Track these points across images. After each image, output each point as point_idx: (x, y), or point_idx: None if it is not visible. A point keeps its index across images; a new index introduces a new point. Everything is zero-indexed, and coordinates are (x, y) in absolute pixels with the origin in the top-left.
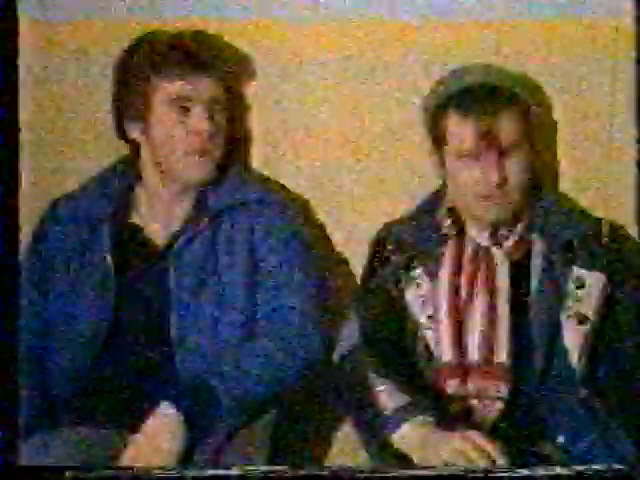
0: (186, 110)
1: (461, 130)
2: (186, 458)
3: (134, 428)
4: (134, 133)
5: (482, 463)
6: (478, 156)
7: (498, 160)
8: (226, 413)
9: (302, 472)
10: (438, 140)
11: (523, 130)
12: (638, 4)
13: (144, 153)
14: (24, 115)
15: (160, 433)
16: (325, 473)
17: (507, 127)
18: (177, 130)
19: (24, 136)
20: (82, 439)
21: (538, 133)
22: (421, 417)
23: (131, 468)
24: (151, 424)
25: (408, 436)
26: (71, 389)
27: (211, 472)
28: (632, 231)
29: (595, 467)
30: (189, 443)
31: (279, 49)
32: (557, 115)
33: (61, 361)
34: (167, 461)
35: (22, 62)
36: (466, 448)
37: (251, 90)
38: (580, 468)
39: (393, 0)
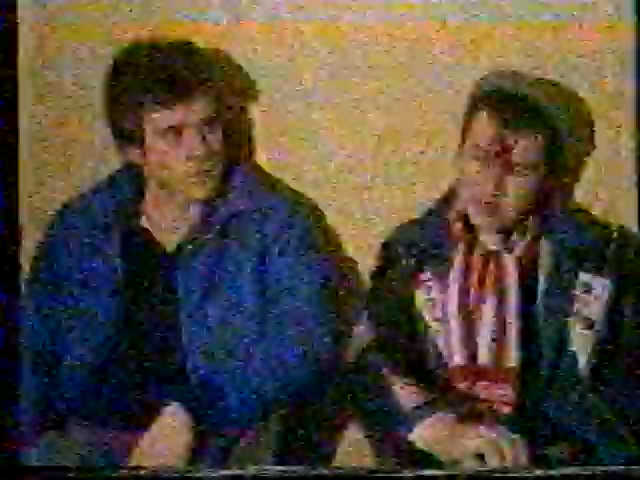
0: (179, 134)
1: (484, 128)
2: (194, 459)
3: (143, 429)
4: (130, 155)
5: (508, 461)
6: (488, 159)
7: (503, 173)
8: (234, 415)
9: (314, 472)
10: (463, 134)
11: (542, 152)
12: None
13: (146, 171)
14: (24, 114)
15: (168, 434)
16: (338, 473)
17: (526, 143)
18: (172, 155)
19: (24, 136)
20: (91, 440)
21: (559, 156)
22: (441, 413)
23: (138, 468)
24: (160, 425)
25: (429, 433)
26: (81, 391)
27: (223, 472)
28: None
29: (613, 469)
30: (197, 444)
31: (279, 52)
32: None
33: (71, 363)
34: (175, 461)
35: (22, 62)
36: (488, 445)
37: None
38: (599, 469)
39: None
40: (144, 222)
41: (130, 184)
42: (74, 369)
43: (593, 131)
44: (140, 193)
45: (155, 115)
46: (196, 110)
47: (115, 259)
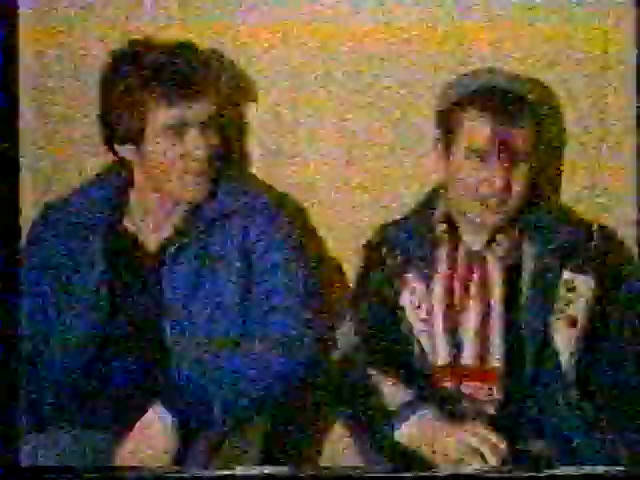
0: (181, 134)
1: (478, 128)
2: (178, 460)
3: (127, 430)
4: (125, 153)
5: (493, 460)
6: (488, 157)
7: (507, 165)
8: (219, 416)
9: (301, 472)
10: (449, 134)
11: (535, 139)
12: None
13: (136, 171)
14: (24, 114)
15: (152, 435)
16: (325, 473)
17: (521, 134)
18: (171, 153)
19: (24, 135)
20: (74, 441)
21: (547, 144)
22: (426, 411)
23: (131, 468)
24: (143, 425)
25: (414, 431)
26: (64, 393)
27: (209, 473)
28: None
29: (597, 468)
30: (182, 445)
31: (273, 55)
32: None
33: (54, 365)
34: (158, 462)
35: (22, 62)
36: (472, 441)
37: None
38: (582, 469)
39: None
40: (128, 223)
41: (114, 185)
42: (57, 371)
43: (564, 128)
44: (124, 194)
45: (159, 111)
46: (199, 110)
47: (98, 260)
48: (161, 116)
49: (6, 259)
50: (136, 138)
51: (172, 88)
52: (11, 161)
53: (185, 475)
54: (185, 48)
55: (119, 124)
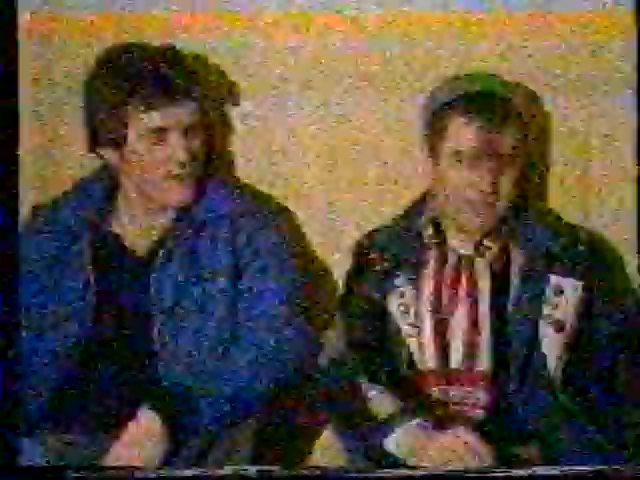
0: (163, 138)
1: (463, 133)
2: (167, 463)
3: (116, 434)
4: (108, 155)
5: (473, 462)
6: (474, 161)
7: (494, 169)
8: (207, 419)
9: (290, 472)
10: (435, 140)
11: (521, 142)
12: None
13: (121, 174)
14: (24, 114)
15: (141, 437)
16: (314, 473)
17: (507, 137)
18: (154, 158)
19: (24, 135)
20: (62, 444)
21: (533, 146)
22: (414, 421)
23: (124, 467)
24: (132, 428)
25: (402, 441)
26: (52, 396)
27: (199, 472)
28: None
29: (580, 468)
30: (170, 447)
31: (258, 58)
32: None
33: (42, 368)
34: (147, 465)
35: (22, 62)
36: (457, 447)
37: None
38: (564, 469)
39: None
40: (115, 227)
41: (101, 189)
42: (45, 374)
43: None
44: (112, 197)
45: (140, 115)
46: (182, 114)
47: (86, 263)
48: (142, 120)
49: (6, 259)
50: (118, 142)
51: (153, 92)
52: (11, 161)
53: (175, 475)
54: (168, 52)
55: (102, 128)
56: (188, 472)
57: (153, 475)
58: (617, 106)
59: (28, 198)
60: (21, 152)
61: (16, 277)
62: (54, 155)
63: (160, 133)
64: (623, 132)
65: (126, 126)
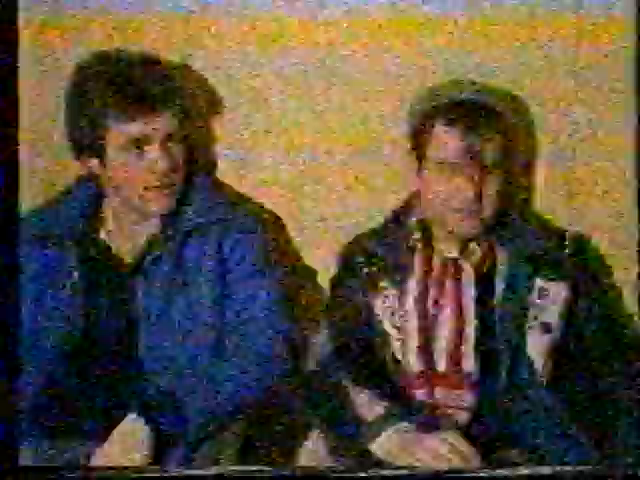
0: (142, 148)
1: (446, 141)
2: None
3: (102, 440)
4: (91, 164)
5: (458, 464)
6: (458, 169)
7: (477, 176)
8: (193, 425)
9: (277, 472)
10: (420, 148)
11: (504, 149)
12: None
13: (105, 183)
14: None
15: (127, 444)
16: (300, 473)
17: (490, 145)
18: (133, 168)
19: (24, 136)
20: (49, 450)
21: (518, 153)
22: (400, 424)
23: (112, 468)
24: (118, 435)
25: (388, 443)
26: (39, 403)
27: (186, 472)
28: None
29: (565, 469)
30: (156, 453)
31: (243, 57)
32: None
33: (29, 375)
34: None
35: (22, 62)
36: (442, 449)
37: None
38: (550, 470)
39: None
40: (102, 233)
41: (88, 196)
42: (32, 381)
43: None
44: (98, 205)
45: (119, 126)
46: (160, 124)
47: (73, 271)
48: (121, 130)
49: (6, 259)
50: (99, 152)
51: (132, 103)
52: (11, 161)
53: (164, 475)
54: (148, 62)
55: (83, 138)
56: (175, 472)
57: (145, 475)
58: (607, 114)
59: (28, 199)
60: (21, 152)
61: (16, 278)
62: (54, 155)
63: (139, 143)
64: (612, 137)
65: (105, 136)
